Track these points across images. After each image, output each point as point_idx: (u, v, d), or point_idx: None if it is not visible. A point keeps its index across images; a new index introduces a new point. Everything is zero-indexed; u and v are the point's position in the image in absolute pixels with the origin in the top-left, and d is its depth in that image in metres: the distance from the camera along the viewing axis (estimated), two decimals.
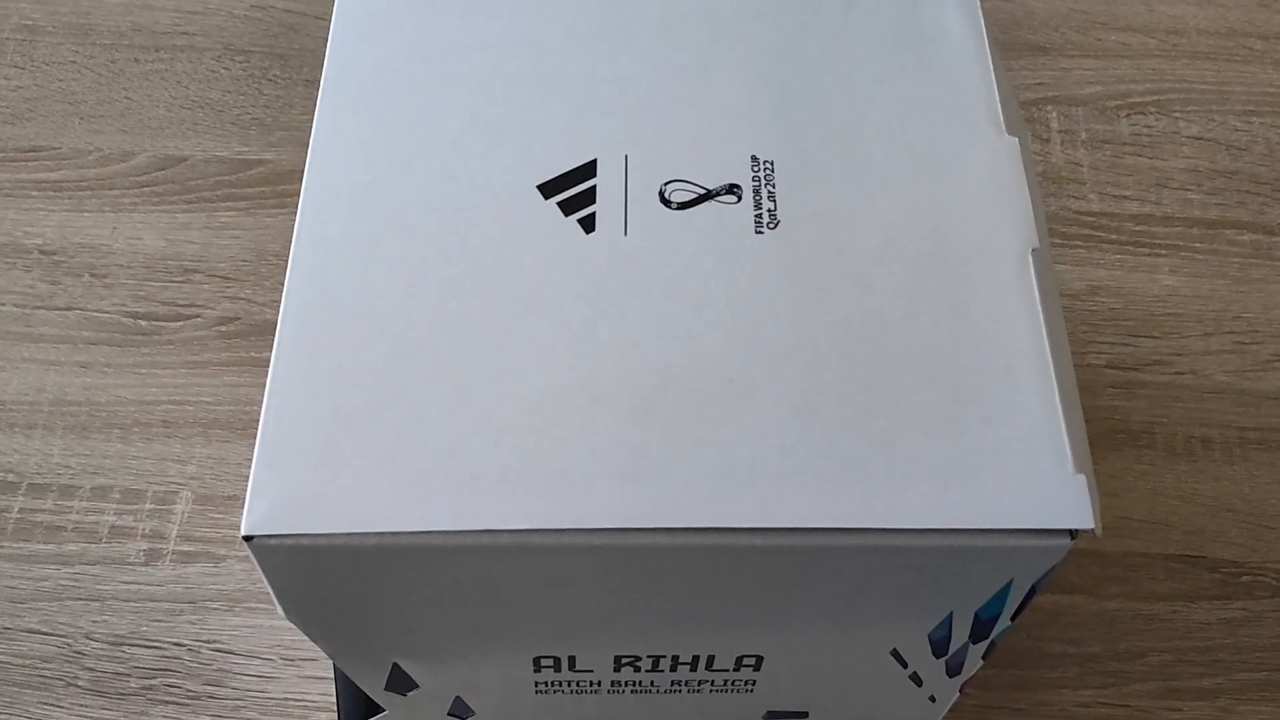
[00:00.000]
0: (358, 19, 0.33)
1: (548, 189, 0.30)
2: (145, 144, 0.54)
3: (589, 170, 0.30)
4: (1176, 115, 0.56)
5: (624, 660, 0.32)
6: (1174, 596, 0.44)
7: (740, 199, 0.30)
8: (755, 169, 0.30)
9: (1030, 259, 0.29)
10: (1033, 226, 0.29)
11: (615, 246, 0.29)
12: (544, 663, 0.32)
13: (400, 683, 0.33)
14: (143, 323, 0.49)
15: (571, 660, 0.32)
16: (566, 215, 0.29)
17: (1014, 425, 0.27)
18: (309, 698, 0.42)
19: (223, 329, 0.49)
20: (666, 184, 0.30)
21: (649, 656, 0.32)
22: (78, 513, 0.45)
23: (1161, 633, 0.44)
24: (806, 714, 0.36)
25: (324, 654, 0.32)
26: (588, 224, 0.29)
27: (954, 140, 0.31)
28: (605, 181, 0.30)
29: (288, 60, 0.57)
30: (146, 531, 0.45)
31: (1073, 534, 0.26)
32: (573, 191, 0.30)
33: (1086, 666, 0.43)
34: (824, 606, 0.29)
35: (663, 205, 0.30)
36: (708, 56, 0.32)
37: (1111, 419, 0.48)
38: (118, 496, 0.45)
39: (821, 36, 0.32)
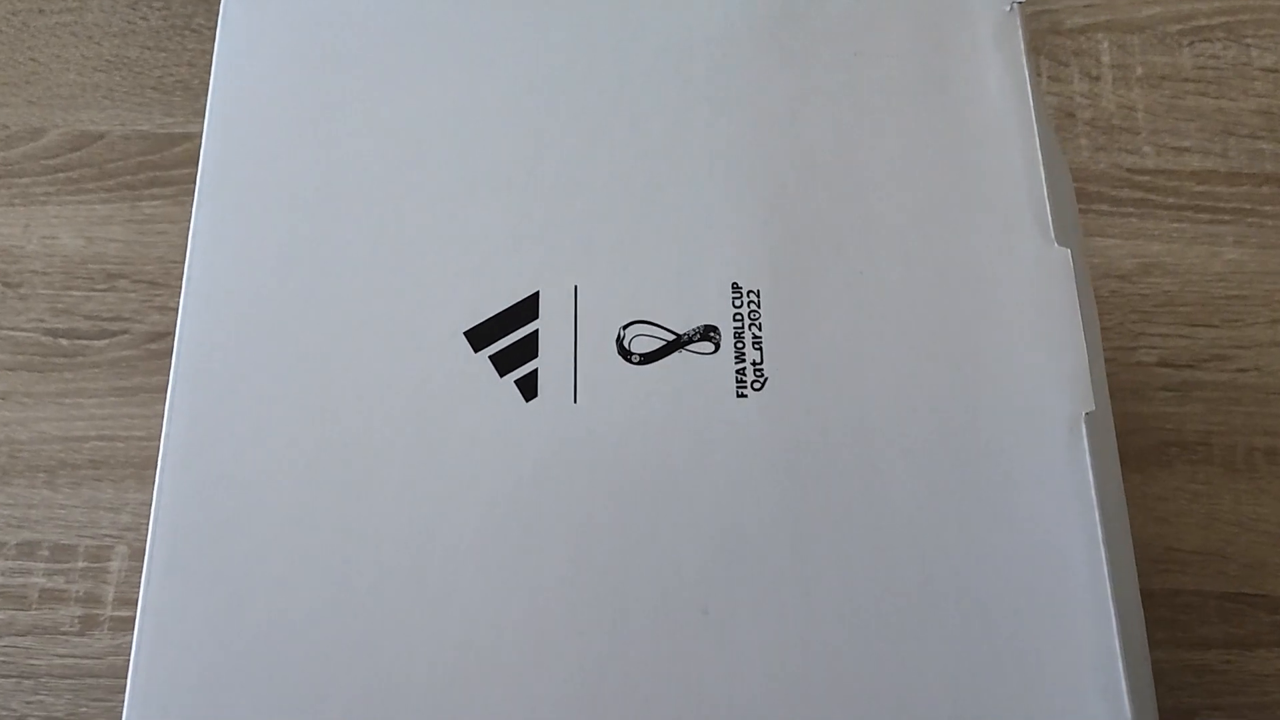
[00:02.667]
0: (238, 82, 0.26)
1: (478, 337, 0.24)
2: (56, 117, 0.47)
3: (528, 309, 0.24)
4: (1249, 42, 0.48)
5: None
6: (1229, 643, 0.39)
7: (718, 347, 0.24)
8: (737, 302, 0.24)
9: (1084, 429, 0.23)
10: (1087, 378, 0.23)
11: (562, 420, 0.23)
12: None
13: None
14: (64, 341, 0.44)
15: None
16: (502, 375, 0.23)
17: (1062, 678, 0.21)
18: None
19: (153, 346, 0.44)
20: (626, 327, 0.24)
21: None
22: (3, 574, 0.41)
23: (1213, 687, 0.39)
24: None
25: None
26: (528, 387, 0.23)
27: (989, 253, 0.24)
28: (549, 325, 0.24)
29: (213, 3, 0.49)
30: (80, 594, 0.40)
31: None
32: (509, 341, 0.24)
33: None
34: None
35: (621, 358, 0.24)
36: (678, 138, 0.25)
37: (1162, 429, 0.42)
38: (46, 554, 0.41)
39: (822, 103, 0.25)
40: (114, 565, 0.41)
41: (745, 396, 0.23)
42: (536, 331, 0.24)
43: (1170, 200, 0.46)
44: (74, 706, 0.39)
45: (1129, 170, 0.46)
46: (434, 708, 0.21)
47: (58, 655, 0.39)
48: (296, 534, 0.22)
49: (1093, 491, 0.22)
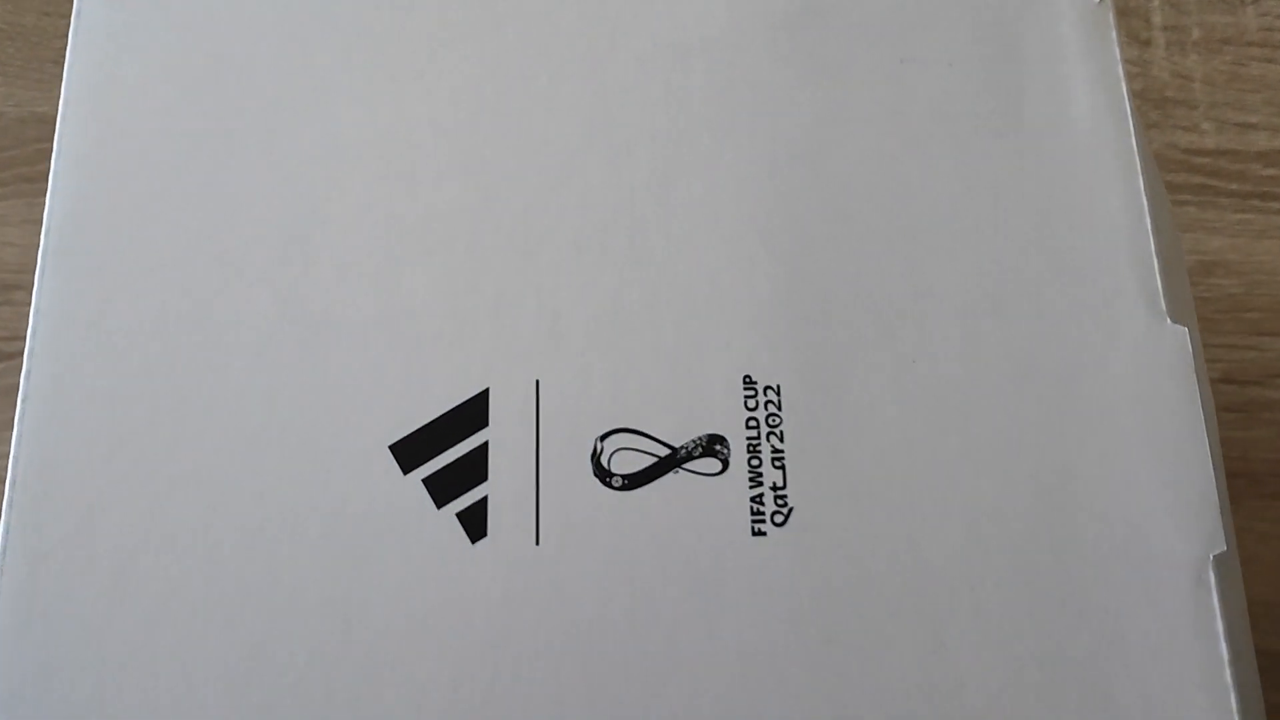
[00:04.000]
0: (91, 90, 0.20)
1: (407, 452, 0.18)
2: None
3: (475, 414, 0.18)
4: None
5: None
6: None
7: (726, 465, 0.18)
8: (751, 403, 0.18)
9: (1211, 574, 0.17)
10: (1216, 507, 0.18)
11: (520, 569, 0.17)
12: None
13: None
14: None
15: None
16: (440, 506, 0.18)
17: None
18: None
19: None
20: (604, 438, 0.18)
21: None
22: None
23: None
24: None
25: None
26: (474, 523, 0.18)
27: (1082, 333, 0.18)
28: (502, 435, 0.18)
29: None
30: None
31: None
32: (448, 458, 0.18)
33: None
34: None
35: (598, 480, 0.18)
36: (668, 177, 0.19)
37: (1225, 457, 0.36)
38: None
39: (858, 128, 0.19)
40: None
41: (764, 534, 0.17)
42: (486, 444, 0.18)
43: (1234, 186, 0.40)
44: None
45: (1185, 151, 0.40)
46: None
47: None
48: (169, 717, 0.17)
49: (1226, 670, 0.17)
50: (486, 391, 0.18)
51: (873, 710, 0.17)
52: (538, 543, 0.17)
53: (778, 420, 0.18)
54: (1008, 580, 0.17)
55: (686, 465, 0.18)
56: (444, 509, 0.18)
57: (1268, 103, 0.40)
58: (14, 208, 0.40)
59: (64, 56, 0.40)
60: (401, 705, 0.17)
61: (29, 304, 0.37)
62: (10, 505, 0.18)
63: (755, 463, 0.18)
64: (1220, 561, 0.17)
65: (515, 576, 0.17)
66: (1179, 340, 0.18)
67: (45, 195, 0.39)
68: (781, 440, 0.18)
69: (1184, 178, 0.40)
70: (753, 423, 0.18)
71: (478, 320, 0.18)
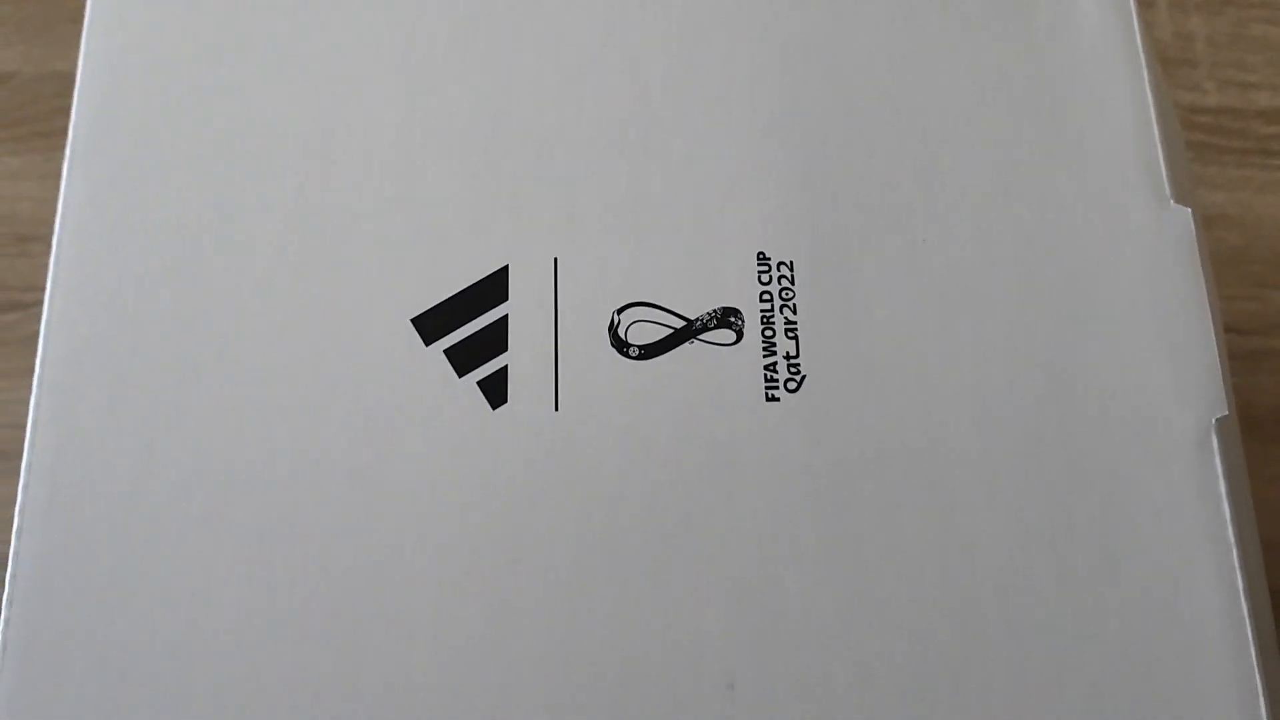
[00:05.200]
0: (121, 12, 0.21)
1: (429, 325, 0.18)
2: None
3: (495, 289, 0.19)
4: None
5: None
6: None
7: (741, 336, 0.18)
8: (765, 277, 0.19)
9: (1214, 438, 0.18)
10: (1218, 375, 0.18)
11: (540, 432, 0.18)
12: None
13: None
14: None
15: None
16: (461, 374, 0.18)
17: None
18: None
19: None
20: (621, 311, 0.18)
21: None
22: None
23: None
24: None
25: None
26: (495, 390, 0.18)
27: (1089, 216, 0.19)
28: (522, 309, 0.18)
29: None
30: None
31: None
32: (469, 330, 0.18)
33: None
34: None
35: (615, 351, 0.18)
36: (684, 72, 0.20)
37: None
38: None
39: (869, 23, 0.20)
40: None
41: (777, 400, 0.18)
42: (505, 318, 0.18)
43: (1236, 144, 0.40)
44: None
45: (1187, 109, 0.40)
46: None
47: None
48: (194, 590, 0.17)
49: (1229, 528, 0.17)
50: (506, 268, 0.19)
51: (884, 573, 0.17)
52: (557, 409, 0.18)
53: (790, 294, 0.18)
54: (1016, 449, 0.18)
55: (701, 336, 0.18)
56: (465, 378, 0.18)
57: (1269, 63, 0.41)
58: (31, 163, 0.40)
59: (80, 16, 0.41)
60: (424, 569, 0.17)
61: (46, 255, 0.38)
62: (40, 384, 0.18)
63: (769, 333, 0.18)
64: (1222, 425, 0.18)
65: (535, 441, 0.18)
66: (1183, 221, 0.19)
67: (61, 152, 0.39)
68: (794, 312, 0.18)
69: (1186, 135, 0.40)
70: (766, 296, 0.18)
71: (496, 206, 0.19)
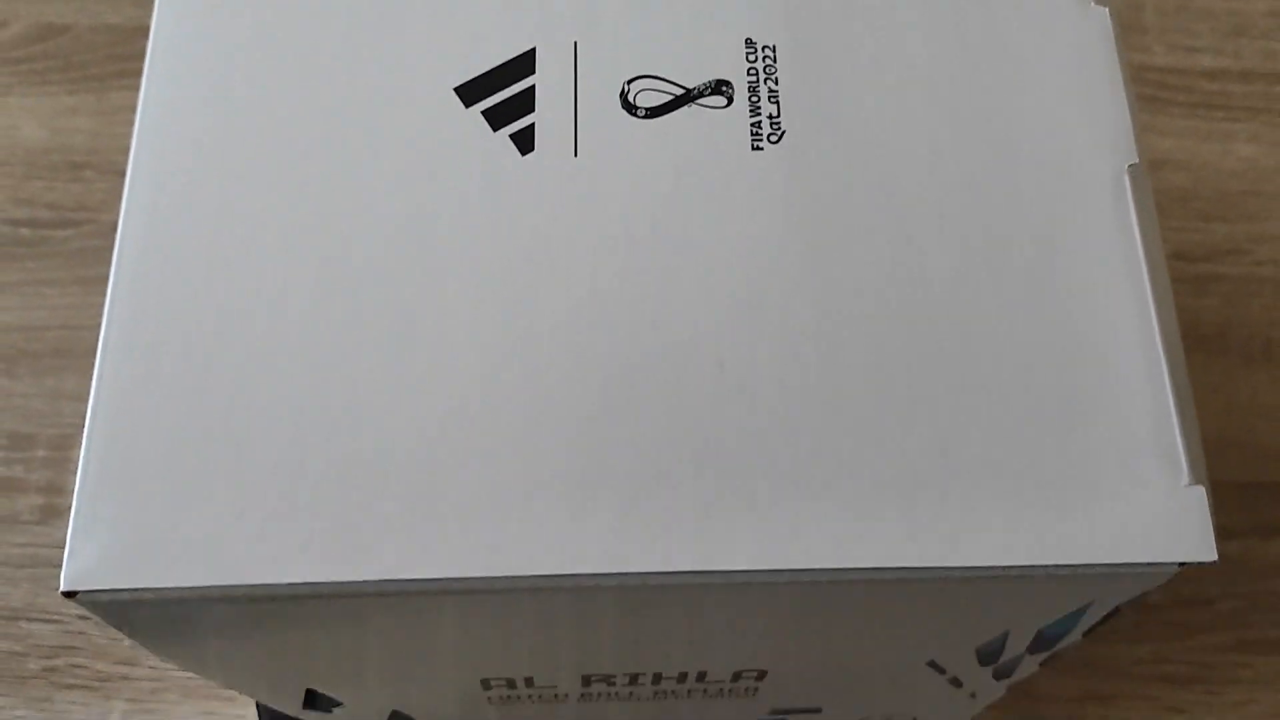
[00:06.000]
0: None
1: (469, 93, 0.22)
2: (19, 9, 0.46)
3: (524, 65, 0.22)
4: None
5: (594, 678, 0.26)
6: (1247, 532, 0.38)
7: (731, 101, 0.22)
8: (751, 57, 0.22)
9: (1128, 182, 0.21)
10: (1129, 131, 0.22)
11: (561, 172, 0.21)
12: (495, 683, 0.26)
13: (322, 702, 0.27)
14: (25, 231, 0.42)
15: (529, 680, 0.25)
16: (495, 129, 0.22)
17: (1108, 420, 0.20)
18: None
19: None
20: (630, 82, 0.22)
21: (625, 674, 0.25)
22: None
23: (1232, 575, 0.37)
24: (819, 709, 0.30)
25: None
26: (524, 141, 0.22)
27: (1022, 19, 0.23)
28: (547, 80, 0.22)
29: None
30: (41, 483, 0.38)
31: (1182, 563, 0.19)
32: (503, 95, 0.22)
33: (1145, 616, 0.37)
34: (843, 631, 0.22)
35: (625, 112, 0.22)
36: None
37: (1179, 321, 0.40)
38: (5, 442, 0.39)
39: None
40: (77, 454, 0.38)
41: (761, 149, 0.21)
42: (533, 87, 0.22)
43: (1181, 99, 0.44)
44: (32, 596, 0.37)
45: (1138, 69, 0.45)
46: (421, 477, 0.19)
47: (16, 544, 0.37)
48: (271, 300, 0.20)
49: (1136, 233, 0.20)
50: (534, 49, 0.22)
51: (849, 279, 0.20)
52: (576, 154, 0.21)
53: (773, 70, 0.22)
54: (962, 190, 0.21)
55: (698, 100, 0.22)
56: (499, 131, 0.22)
57: (1211, 30, 0.45)
58: (85, 101, 0.44)
59: None
60: (471, 267, 0.20)
61: (96, 180, 0.41)
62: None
63: (755, 100, 0.22)
64: (1133, 170, 0.21)
65: (557, 178, 0.21)
66: (1099, 16, 0.22)
67: (113, 92, 0.43)
68: (776, 84, 0.22)
69: (1137, 89, 0.44)
70: (753, 72, 0.22)
71: (527, 2, 0.23)
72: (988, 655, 0.25)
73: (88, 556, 0.19)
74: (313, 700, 0.27)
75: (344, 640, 0.22)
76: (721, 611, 0.21)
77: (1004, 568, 0.19)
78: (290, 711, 0.27)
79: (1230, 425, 0.39)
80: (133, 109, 0.43)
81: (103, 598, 0.19)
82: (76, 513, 0.19)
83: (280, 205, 0.21)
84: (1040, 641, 0.24)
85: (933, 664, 0.25)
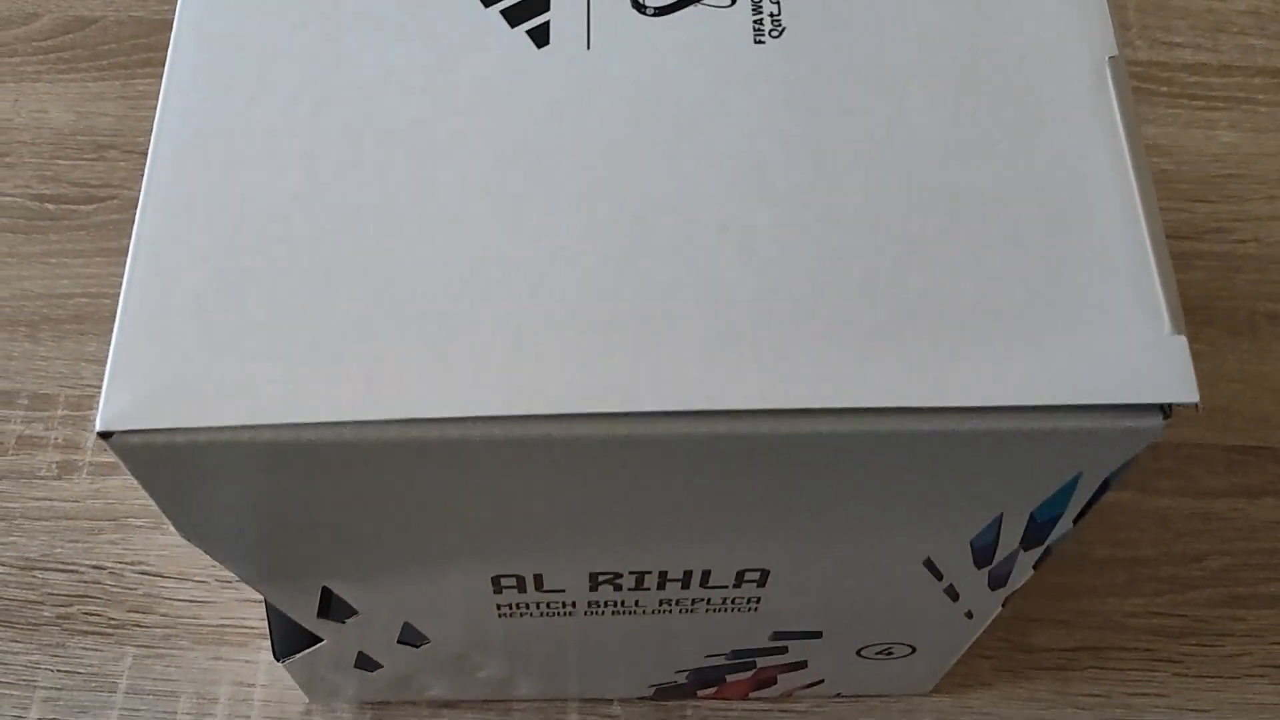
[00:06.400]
0: None
1: None
2: (51, 3, 0.47)
3: None
4: None
5: (601, 578, 0.26)
6: (1235, 493, 0.39)
7: (734, 1, 0.23)
8: None
9: (1108, 70, 0.23)
10: (1109, 27, 0.23)
11: (575, 64, 0.23)
12: (505, 582, 0.26)
13: (336, 609, 0.28)
14: (50, 206, 0.43)
15: (538, 579, 0.26)
16: (513, 26, 0.23)
17: (1092, 275, 0.21)
18: (248, 623, 0.36)
19: None
20: None
21: (631, 573, 0.26)
22: None
23: (1222, 533, 0.38)
24: (820, 634, 0.31)
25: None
26: (539, 36, 0.23)
27: None
28: None
29: None
30: (59, 441, 0.39)
31: (1166, 412, 0.20)
32: None
33: (1137, 571, 0.37)
34: (843, 508, 0.23)
35: (635, 10, 0.23)
36: None
37: None
38: (25, 402, 0.40)
39: None
40: (95, 414, 0.40)
41: (763, 43, 0.23)
42: None
43: (1164, 89, 0.46)
44: (49, 547, 0.37)
45: None
46: (441, 325, 0.20)
47: (34, 498, 0.38)
48: (303, 162, 0.22)
49: (1116, 112, 0.22)
50: None
51: (846, 149, 0.22)
52: (588, 48, 0.23)
53: None
54: (952, 74, 0.22)
55: (703, 2, 0.23)
56: (516, 28, 0.23)
57: (1190, 26, 0.47)
58: (111, 87, 0.46)
59: None
60: (489, 147, 0.22)
61: (120, 160, 0.43)
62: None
63: (758, 1, 0.23)
64: (1114, 62, 0.22)
65: (570, 68, 0.22)
66: None
67: (138, 80, 0.45)
68: None
69: None
70: None
71: None
72: (982, 551, 0.26)
73: (123, 400, 0.20)
74: (327, 607, 0.28)
75: (360, 516, 0.22)
76: (724, 480, 0.21)
77: (995, 408, 0.20)
78: (304, 619, 0.28)
79: (1216, 393, 0.40)
80: (156, 95, 0.45)
81: (136, 440, 0.20)
82: (113, 361, 0.20)
83: (311, 82, 0.22)
84: (1033, 530, 0.25)
85: (929, 565, 0.26)
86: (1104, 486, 0.23)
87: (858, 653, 0.32)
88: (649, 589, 0.27)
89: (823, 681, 0.34)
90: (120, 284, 0.42)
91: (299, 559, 0.25)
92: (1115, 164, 0.22)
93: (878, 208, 0.21)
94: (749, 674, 0.34)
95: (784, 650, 0.32)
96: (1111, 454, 0.21)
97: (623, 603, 0.28)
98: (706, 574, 0.26)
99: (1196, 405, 0.20)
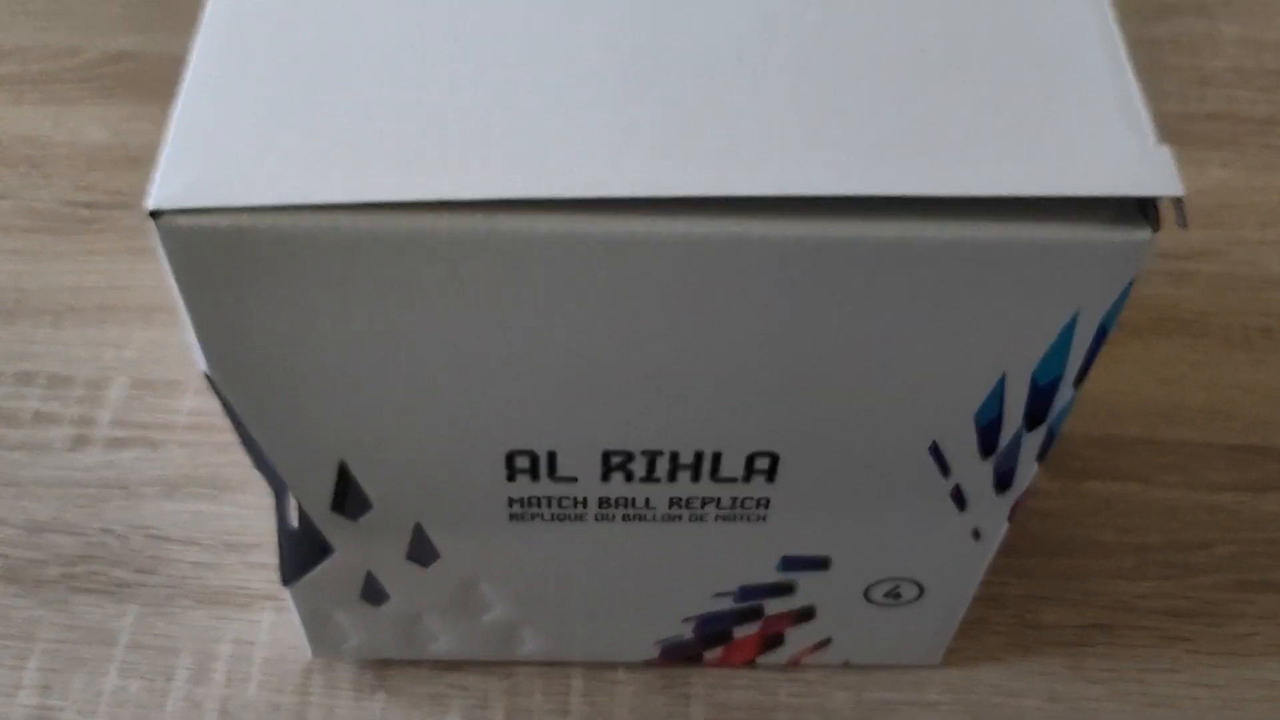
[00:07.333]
0: None
1: None
2: (96, 41, 0.50)
3: None
4: (1218, 17, 0.52)
5: (614, 461, 0.27)
6: (1239, 487, 0.39)
7: None
8: None
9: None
10: None
11: None
12: (519, 463, 0.27)
13: (351, 502, 0.28)
14: (84, 211, 0.45)
15: (552, 460, 0.27)
16: None
17: (1080, 100, 0.22)
18: (253, 585, 0.36)
19: None
20: None
21: (643, 453, 0.27)
22: None
23: (1228, 524, 0.38)
24: (827, 562, 0.31)
25: (266, 486, 0.27)
26: None
27: None
28: None
29: None
30: (75, 417, 0.40)
31: (1155, 224, 0.22)
32: None
33: (1145, 557, 0.37)
34: (848, 364, 0.24)
35: None
36: None
37: (1160, 306, 0.43)
38: (44, 382, 0.40)
39: None
40: (112, 394, 0.40)
41: None
42: None
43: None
44: (58, 511, 0.37)
45: None
46: (480, 126, 0.22)
47: (47, 467, 0.38)
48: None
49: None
50: None
51: (856, 8, 0.23)
52: None
53: None
54: None
55: None
56: None
57: (1178, 81, 0.49)
58: (147, 110, 0.48)
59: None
60: (517, 29, 0.23)
61: (150, 171, 0.45)
62: None
63: None
64: None
65: None
66: None
67: (172, 103, 0.47)
68: None
69: None
70: None
71: None
72: (987, 431, 0.26)
73: (174, 185, 0.21)
74: (342, 500, 0.28)
75: (383, 344, 0.23)
76: (734, 300, 0.22)
77: (993, 208, 0.21)
78: (317, 510, 0.28)
79: (1216, 397, 0.41)
80: None
81: (182, 221, 0.21)
82: (169, 154, 0.21)
83: None
84: (1035, 398, 0.25)
85: (935, 451, 0.27)
86: (1100, 336, 0.24)
87: (865, 595, 0.32)
88: (659, 479, 0.27)
89: (830, 641, 0.34)
90: (145, 277, 0.43)
91: (318, 414, 0.25)
92: (1098, 9, 0.23)
93: (883, 47, 0.23)
94: (756, 627, 0.33)
95: (791, 589, 0.32)
96: (1105, 278, 0.22)
97: (633, 502, 0.28)
98: (717, 459, 0.27)
99: (1180, 202, 0.21)
